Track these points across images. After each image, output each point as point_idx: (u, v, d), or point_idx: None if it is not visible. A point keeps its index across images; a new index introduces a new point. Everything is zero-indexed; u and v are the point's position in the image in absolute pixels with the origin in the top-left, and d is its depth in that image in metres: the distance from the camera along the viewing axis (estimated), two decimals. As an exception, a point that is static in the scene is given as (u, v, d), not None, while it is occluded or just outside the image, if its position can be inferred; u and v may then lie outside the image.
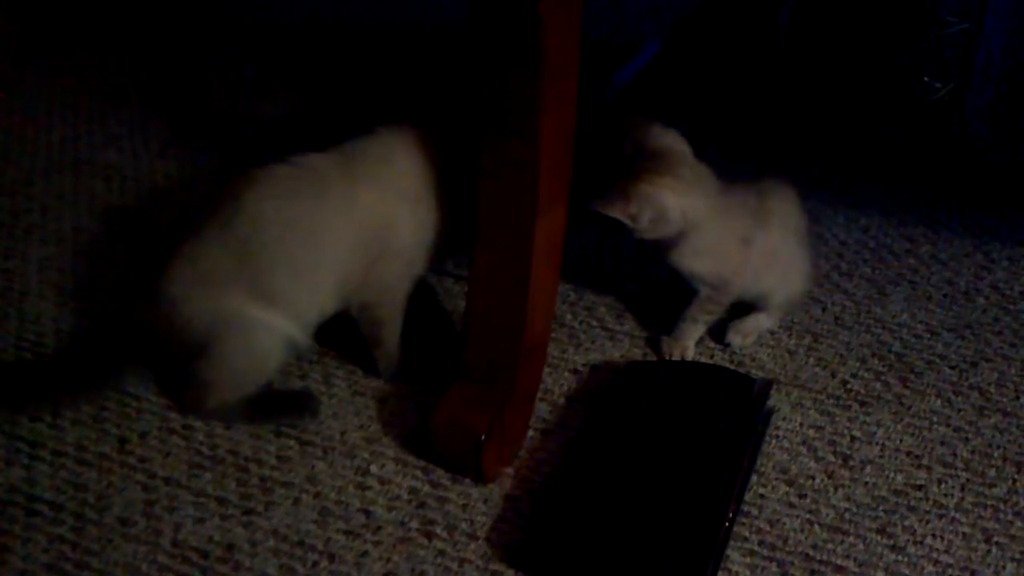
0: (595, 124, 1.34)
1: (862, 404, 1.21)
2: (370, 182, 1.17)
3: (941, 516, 1.07)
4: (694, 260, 1.22)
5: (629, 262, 1.44)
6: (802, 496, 1.09)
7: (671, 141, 1.23)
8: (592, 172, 1.19)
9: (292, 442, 1.16)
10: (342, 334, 1.25)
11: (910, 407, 1.21)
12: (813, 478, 1.12)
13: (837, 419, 1.19)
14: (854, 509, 1.08)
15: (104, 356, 1.24)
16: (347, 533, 1.06)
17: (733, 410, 1.13)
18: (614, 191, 1.17)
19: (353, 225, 1.16)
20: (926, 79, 1.68)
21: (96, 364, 1.24)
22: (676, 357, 1.27)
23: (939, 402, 1.21)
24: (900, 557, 1.03)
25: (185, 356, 1.16)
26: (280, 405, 1.19)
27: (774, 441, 1.16)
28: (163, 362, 1.21)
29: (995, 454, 1.14)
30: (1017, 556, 1.02)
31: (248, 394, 1.18)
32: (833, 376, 1.25)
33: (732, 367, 1.26)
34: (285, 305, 1.14)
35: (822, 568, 1.02)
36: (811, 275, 1.33)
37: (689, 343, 1.27)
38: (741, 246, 1.22)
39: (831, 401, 1.21)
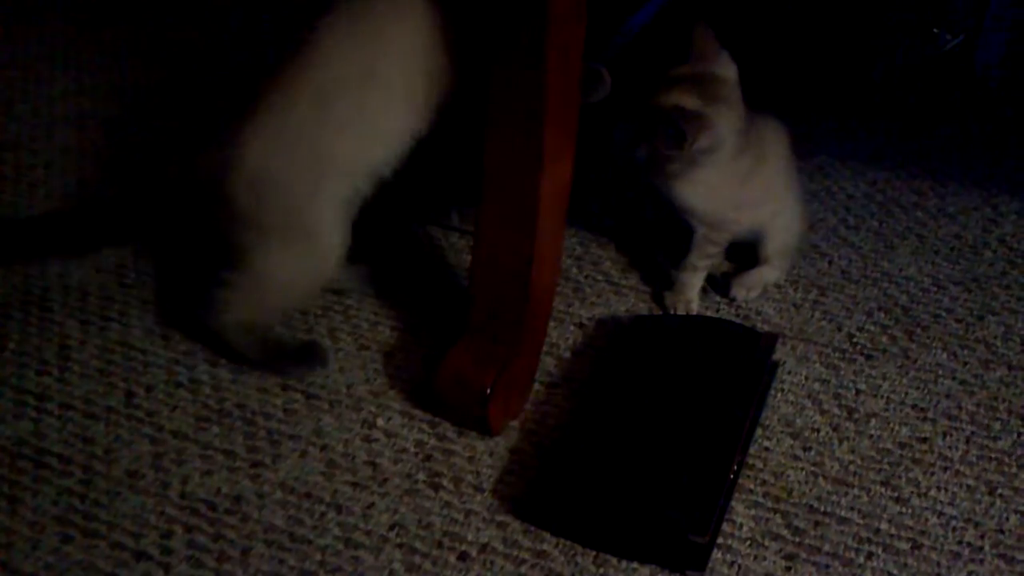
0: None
1: (868, 357, 1.21)
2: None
3: (945, 469, 1.07)
4: (693, 192, 1.21)
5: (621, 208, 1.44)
6: (807, 449, 1.10)
7: (727, 68, 1.21)
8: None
9: (298, 396, 1.17)
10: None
11: (916, 360, 1.21)
12: (818, 431, 1.12)
13: (842, 372, 1.19)
14: (859, 461, 1.08)
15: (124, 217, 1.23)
16: (354, 485, 1.07)
17: (738, 363, 1.13)
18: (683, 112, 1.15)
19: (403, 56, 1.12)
20: (936, 30, 1.66)
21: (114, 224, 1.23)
22: (680, 311, 1.27)
23: (945, 355, 1.21)
24: (904, 509, 1.03)
25: (240, 238, 1.13)
26: (290, 354, 1.20)
27: (779, 394, 1.16)
28: (194, 239, 1.18)
29: (1000, 407, 1.14)
30: (1021, 508, 1.03)
31: (271, 326, 1.17)
32: (839, 329, 1.25)
33: (737, 321, 1.26)
34: (350, 162, 1.12)
35: (826, 520, 1.02)
36: (805, 217, 1.33)
37: (691, 295, 1.27)
38: (738, 182, 1.22)
39: (837, 354, 1.21)
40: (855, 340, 1.23)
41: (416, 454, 1.10)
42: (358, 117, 1.10)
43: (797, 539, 1.00)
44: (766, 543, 1.00)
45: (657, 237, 1.39)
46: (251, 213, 1.11)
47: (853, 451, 1.09)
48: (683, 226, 1.25)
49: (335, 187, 1.12)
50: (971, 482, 1.06)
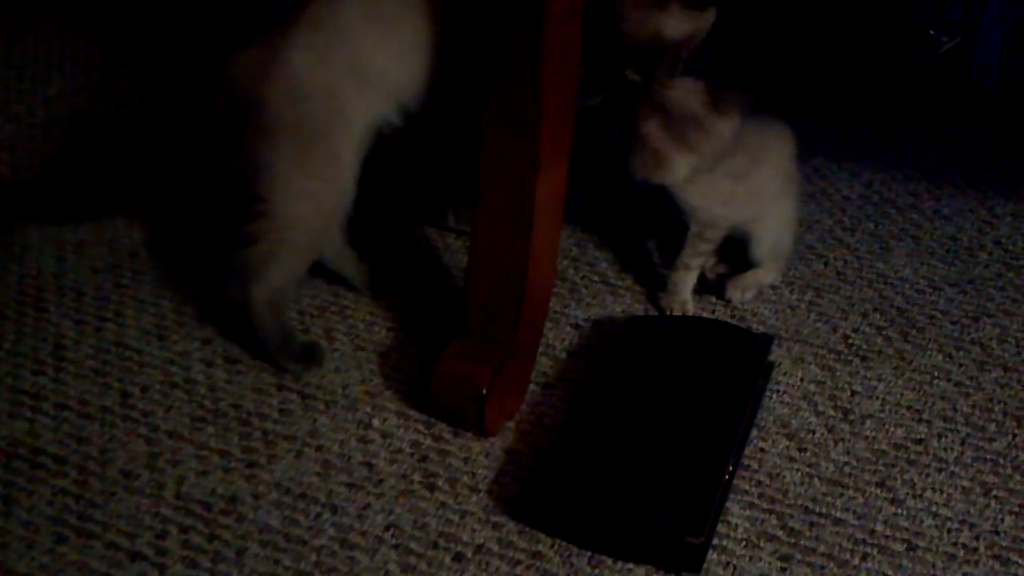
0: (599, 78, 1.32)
1: (863, 359, 1.21)
2: None
3: (941, 470, 1.07)
4: (688, 190, 1.22)
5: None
6: (802, 450, 1.10)
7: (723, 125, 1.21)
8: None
9: (294, 396, 1.17)
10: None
11: (911, 362, 1.21)
12: (813, 432, 1.12)
13: (838, 374, 1.19)
14: (854, 463, 1.08)
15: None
16: (349, 486, 1.07)
17: (734, 365, 1.13)
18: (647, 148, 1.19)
19: None
20: (932, 33, 1.66)
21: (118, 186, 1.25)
22: (676, 312, 1.27)
23: (940, 357, 1.21)
24: (899, 510, 1.03)
25: (262, 163, 1.13)
26: (296, 349, 1.20)
27: (775, 395, 1.16)
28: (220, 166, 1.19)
29: (995, 409, 1.14)
30: (1016, 509, 1.03)
31: (289, 296, 1.19)
32: (834, 331, 1.25)
33: (733, 322, 1.26)
34: (384, 78, 1.13)
35: (821, 521, 1.02)
36: (797, 221, 1.32)
37: (686, 296, 1.27)
38: (732, 181, 1.22)
39: (832, 356, 1.22)
40: (850, 341, 1.24)
41: (412, 455, 1.10)
42: (397, 33, 1.12)
43: (792, 540, 1.00)
44: (761, 544, 1.00)
45: (652, 237, 1.39)
46: (282, 121, 1.11)
47: (848, 452, 1.09)
48: (678, 224, 1.25)
49: (366, 105, 1.13)
50: (966, 483, 1.06)
